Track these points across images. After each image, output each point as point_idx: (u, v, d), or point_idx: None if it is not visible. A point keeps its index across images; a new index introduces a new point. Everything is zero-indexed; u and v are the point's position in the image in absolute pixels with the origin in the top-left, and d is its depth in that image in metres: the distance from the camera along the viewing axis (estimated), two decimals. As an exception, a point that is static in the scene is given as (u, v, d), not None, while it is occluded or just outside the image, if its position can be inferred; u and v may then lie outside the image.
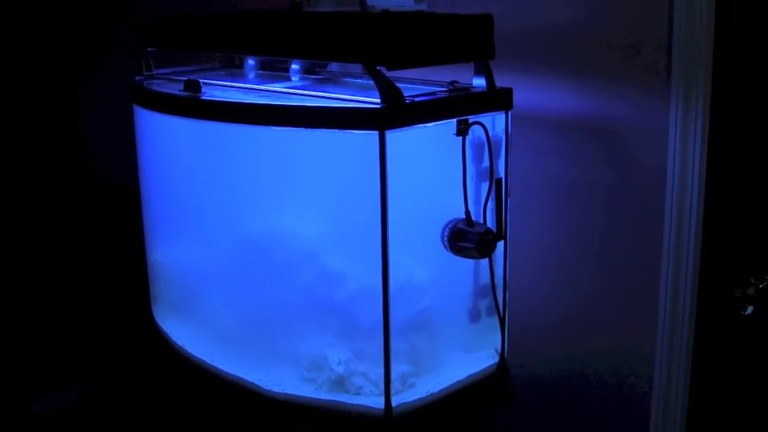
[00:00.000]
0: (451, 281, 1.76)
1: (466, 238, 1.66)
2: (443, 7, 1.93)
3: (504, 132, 1.73)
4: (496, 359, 1.81)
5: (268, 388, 1.74)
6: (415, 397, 1.68)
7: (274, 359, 1.77)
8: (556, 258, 2.01)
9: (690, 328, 1.80)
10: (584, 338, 1.99)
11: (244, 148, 1.72)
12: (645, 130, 1.80)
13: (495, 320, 1.79)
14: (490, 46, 1.69)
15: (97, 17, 2.92)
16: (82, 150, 2.88)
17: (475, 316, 1.79)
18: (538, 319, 2.03)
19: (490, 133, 1.67)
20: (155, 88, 1.97)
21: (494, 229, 1.69)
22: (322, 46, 1.64)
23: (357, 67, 2.00)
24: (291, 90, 1.77)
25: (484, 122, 1.66)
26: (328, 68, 2.02)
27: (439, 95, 1.65)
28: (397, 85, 1.54)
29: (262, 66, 2.06)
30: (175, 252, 2.01)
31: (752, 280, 1.76)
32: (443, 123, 1.62)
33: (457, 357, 1.79)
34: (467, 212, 1.66)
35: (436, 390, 1.71)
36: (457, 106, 1.64)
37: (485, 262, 1.74)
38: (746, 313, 1.74)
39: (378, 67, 1.54)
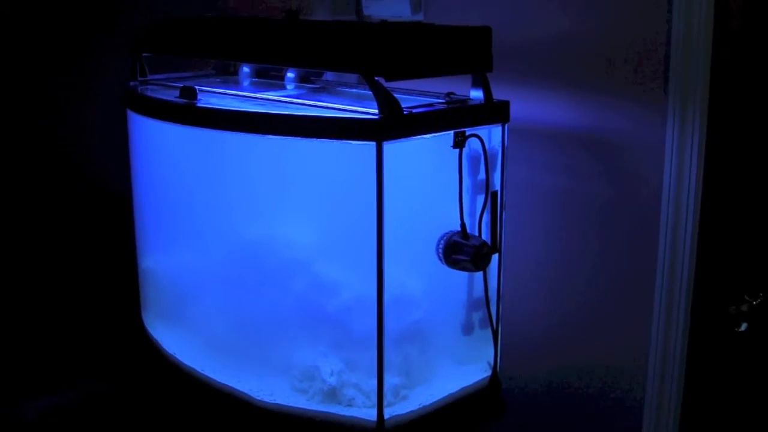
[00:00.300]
0: (445, 293, 1.76)
1: (461, 251, 1.65)
2: (440, 19, 1.92)
3: (500, 144, 1.73)
4: (489, 372, 1.81)
5: (259, 398, 1.73)
6: (408, 410, 1.68)
7: (266, 369, 1.76)
8: (550, 271, 2.00)
9: (683, 344, 1.80)
10: (576, 352, 1.99)
11: (240, 156, 1.71)
12: (641, 144, 1.80)
13: (488, 333, 1.79)
14: (488, 59, 1.69)
15: (92, 21, 2.91)
16: (73, 154, 2.86)
17: (468, 328, 1.79)
18: (530, 332, 2.03)
19: (486, 146, 1.67)
20: (149, 93, 1.96)
21: (489, 242, 1.69)
22: (321, 55, 1.63)
23: (353, 77, 2.00)
24: (287, 99, 1.76)
25: (480, 134, 1.66)
26: (324, 77, 2.01)
27: (437, 107, 1.65)
28: (394, 95, 1.54)
29: (257, 74, 2.05)
30: (167, 259, 2.00)
31: (746, 296, 1.76)
32: (440, 135, 1.61)
33: (450, 369, 1.78)
34: (463, 225, 1.65)
35: (428, 402, 1.71)
36: (455, 118, 1.63)
37: (479, 274, 1.73)
38: (740, 329, 1.74)
39: (376, 78, 1.54)
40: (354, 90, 1.91)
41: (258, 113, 1.64)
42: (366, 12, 2.19)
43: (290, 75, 1.94)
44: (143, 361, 2.07)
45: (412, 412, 1.68)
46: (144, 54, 2.07)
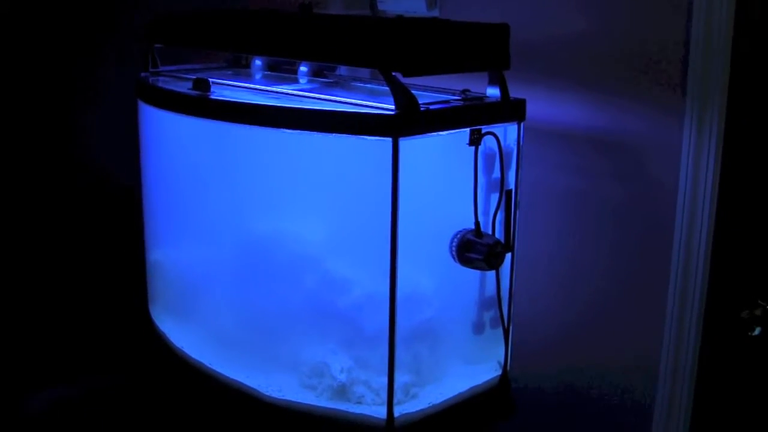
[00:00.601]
0: (457, 292, 1.74)
1: (475, 249, 1.64)
2: (455, 15, 1.91)
3: (516, 143, 1.71)
4: (499, 372, 1.80)
5: (267, 394, 1.72)
6: (417, 408, 1.66)
7: (275, 364, 1.75)
8: (562, 272, 1.99)
9: (695, 347, 1.79)
10: (587, 353, 1.97)
11: (253, 150, 1.70)
12: (657, 146, 1.79)
13: (499, 332, 1.78)
14: (505, 56, 1.68)
15: (104, 11, 2.89)
16: (82, 145, 2.85)
17: (479, 327, 1.78)
18: (541, 332, 2.02)
19: (501, 144, 1.66)
20: (161, 84, 1.95)
21: (503, 241, 1.68)
22: (337, 50, 1.61)
23: (366, 72, 1.99)
24: (302, 93, 1.75)
25: (496, 133, 1.64)
26: (337, 72, 2.00)
27: (453, 104, 1.63)
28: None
29: (269, 67, 2.04)
30: (176, 252, 1.99)
31: (760, 301, 1.74)
32: (456, 132, 1.60)
33: (460, 368, 1.77)
34: (477, 223, 1.64)
35: (438, 401, 1.70)
36: (471, 115, 1.62)
37: (490, 273, 1.72)
38: (753, 334, 1.73)
39: (393, 74, 1.52)
40: (368, 85, 1.90)
41: (274, 107, 1.63)
42: (380, 7, 2.17)
43: (303, 69, 1.92)
44: (150, 355, 2.06)
45: (421, 410, 1.67)
46: (156, 45, 2.06)
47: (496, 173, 1.68)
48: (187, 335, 1.94)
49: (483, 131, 1.62)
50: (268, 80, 1.97)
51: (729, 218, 1.74)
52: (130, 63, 2.08)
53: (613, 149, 1.86)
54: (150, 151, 2.01)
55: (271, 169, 1.69)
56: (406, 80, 1.53)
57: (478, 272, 1.71)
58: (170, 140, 1.92)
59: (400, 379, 1.64)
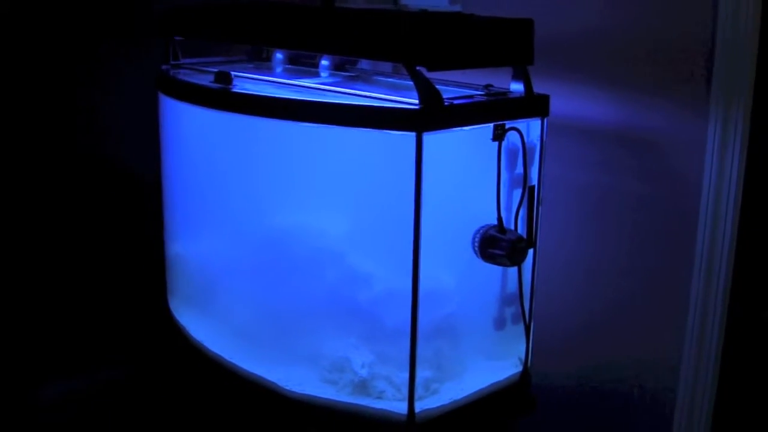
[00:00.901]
0: (478, 287, 1.73)
1: (498, 245, 1.63)
2: (478, 10, 1.90)
3: (539, 139, 1.70)
4: (520, 368, 1.79)
5: (287, 388, 1.72)
6: (438, 404, 1.66)
7: (295, 358, 1.74)
8: (584, 268, 1.98)
9: (718, 345, 1.78)
10: (609, 350, 1.97)
11: (275, 143, 1.69)
12: (681, 142, 1.78)
13: (520, 328, 1.77)
14: (529, 51, 1.67)
15: (113, 6, 2.88)
16: (102, 138, 2.85)
17: (500, 323, 1.77)
18: (562, 329, 2.01)
19: (525, 140, 1.65)
20: (182, 77, 1.94)
21: (525, 237, 1.67)
22: (361, 43, 1.61)
23: (387, 66, 1.98)
24: (324, 86, 1.74)
25: (519, 128, 1.64)
26: (358, 65, 1.99)
27: (477, 98, 1.62)
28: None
29: (290, 60, 2.03)
30: (196, 245, 1.98)
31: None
32: (480, 127, 1.59)
33: (481, 364, 1.76)
34: (499, 218, 1.63)
35: (459, 397, 1.69)
36: (495, 110, 1.61)
37: (513, 269, 1.71)
38: (777, 333, 1.72)
39: (417, 68, 1.51)
40: (390, 79, 1.89)
41: (297, 100, 1.62)
42: (403, 1, 2.16)
43: (324, 63, 1.91)
44: (169, 348, 2.06)
45: (442, 406, 1.66)
46: (177, 37, 2.05)
47: (519, 169, 1.67)
48: (206, 329, 1.94)
49: (507, 126, 1.61)
50: (289, 74, 1.96)
51: (754, 216, 1.73)
52: (148, 55, 2.07)
53: (637, 145, 1.84)
54: (170, 144, 2.01)
55: (293, 163, 1.68)
56: (429, 75, 1.53)
57: (499, 268, 1.71)
58: (191, 133, 1.92)
59: (421, 374, 1.63)
